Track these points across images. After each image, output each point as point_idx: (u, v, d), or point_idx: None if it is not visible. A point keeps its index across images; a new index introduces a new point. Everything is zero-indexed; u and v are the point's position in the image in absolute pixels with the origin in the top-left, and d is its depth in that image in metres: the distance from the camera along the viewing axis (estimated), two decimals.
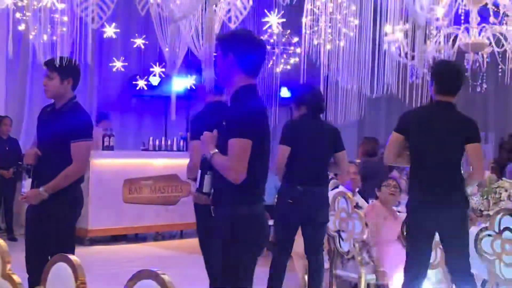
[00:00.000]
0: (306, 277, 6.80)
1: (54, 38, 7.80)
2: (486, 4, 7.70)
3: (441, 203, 4.95)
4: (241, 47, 3.79)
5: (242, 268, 3.75)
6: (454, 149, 5.06)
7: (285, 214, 6.04)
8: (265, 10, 8.70)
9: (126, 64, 11.80)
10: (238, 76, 3.79)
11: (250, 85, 3.81)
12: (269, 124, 3.86)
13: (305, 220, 5.99)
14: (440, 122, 5.11)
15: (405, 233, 5.34)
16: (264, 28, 8.92)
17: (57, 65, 4.86)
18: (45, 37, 7.93)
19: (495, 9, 7.89)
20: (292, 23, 12.93)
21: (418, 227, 5.03)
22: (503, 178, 8.05)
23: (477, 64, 8.00)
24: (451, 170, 5.04)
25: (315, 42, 8.37)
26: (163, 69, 11.86)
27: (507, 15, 7.88)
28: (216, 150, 3.74)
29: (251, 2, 7.50)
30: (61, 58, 4.94)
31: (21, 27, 9.00)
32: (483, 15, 7.81)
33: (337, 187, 7.35)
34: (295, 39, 12.22)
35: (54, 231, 4.75)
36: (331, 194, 6.83)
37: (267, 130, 3.81)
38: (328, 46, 8.28)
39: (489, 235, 5.20)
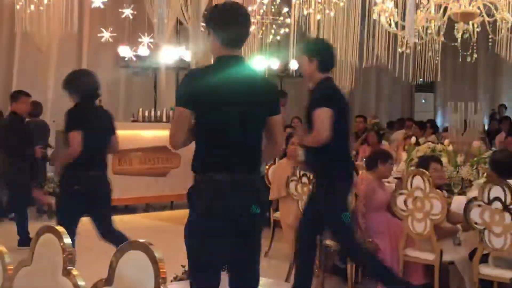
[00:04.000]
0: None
1: (41, 8, 7.73)
2: None
3: None
4: (216, 20, 3.85)
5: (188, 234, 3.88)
6: None
7: None
8: None
9: (115, 34, 11.69)
10: (217, 47, 3.83)
11: (225, 56, 3.81)
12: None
13: None
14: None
15: None
16: None
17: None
18: (32, 7, 7.86)
19: None
20: None
21: None
22: (493, 148, 8.09)
23: (467, 34, 7.97)
24: None
25: (305, 12, 8.31)
26: (152, 40, 11.76)
27: None
28: None
29: None
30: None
31: None
32: None
33: None
34: (285, 9, 12.14)
35: None
36: None
37: (209, 100, 3.74)
38: (318, 16, 8.24)
39: (478, 205, 5.22)
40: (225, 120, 3.76)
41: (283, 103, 14.83)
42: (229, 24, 3.79)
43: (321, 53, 5.33)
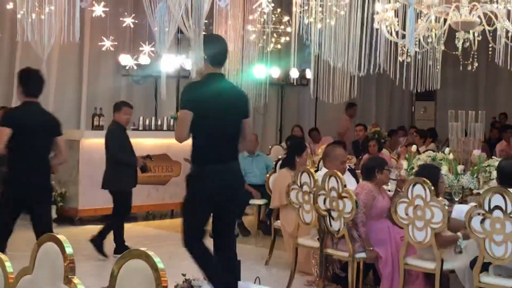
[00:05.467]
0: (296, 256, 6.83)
1: (42, 17, 7.75)
2: None
3: None
4: (206, 47, 5.01)
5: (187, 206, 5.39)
6: None
7: None
8: None
9: (116, 43, 11.71)
10: (207, 67, 5.21)
11: (213, 73, 5.29)
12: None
13: None
14: None
15: None
16: (254, 7, 8.86)
17: None
18: (33, 15, 7.87)
19: None
20: (283, 1, 12.89)
21: None
22: (493, 157, 8.09)
23: (468, 43, 7.98)
24: None
25: (306, 21, 8.32)
26: (153, 48, 11.78)
27: None
28: None
29: None
30: None
31: (9, 5, 8.92)
32: None
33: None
34: (286, 18, 12.16)
35: None
36: (320, 173, 6.83)
37: (204, 105, 5.13)
38: (319, 25, 8.24)
39: (479, 214, 5.21)
40: (216, 122, 5.16)
41: (352, 114, 14.88)
42: (216, 50, 5.23)
43: (30, 78, 6.36)
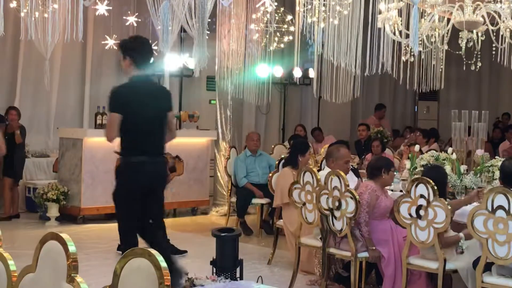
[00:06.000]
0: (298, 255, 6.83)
1: (46, 15, 7.76)
2: None
3: None
4: (135, 49, 5.77)
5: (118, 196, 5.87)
6: None
7: None
8: None
9: (119, 42, 11.69)
10: (132, 69, 5.74)
11: (138, 75, 5.73)
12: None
13: None
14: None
15: None
16: (258, 6, 8.87)
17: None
18: (36, 14, 7.89)
19: None
20: (286, 0, 12.88)
21: None
22: (496, 157, 8.07)
23: (471, 43, 7.97)
24: None
25: (309, 20, 8.32)
26: (156, 47, 11.77)
27: None
28: None
29: None
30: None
31: (12, 4, 8.92)
32: None
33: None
34: (289, 17, 12.16)
35: None
36: (323, 173, 6.83)
37: (131, 106, 5.62)
38: (322, 25, 8.24)
39: (482, 214, 5.21)
40: (142, 120, 5.61)
41: (381, 115, 14.86)
42: (145, 53, 5.74)
43: None
